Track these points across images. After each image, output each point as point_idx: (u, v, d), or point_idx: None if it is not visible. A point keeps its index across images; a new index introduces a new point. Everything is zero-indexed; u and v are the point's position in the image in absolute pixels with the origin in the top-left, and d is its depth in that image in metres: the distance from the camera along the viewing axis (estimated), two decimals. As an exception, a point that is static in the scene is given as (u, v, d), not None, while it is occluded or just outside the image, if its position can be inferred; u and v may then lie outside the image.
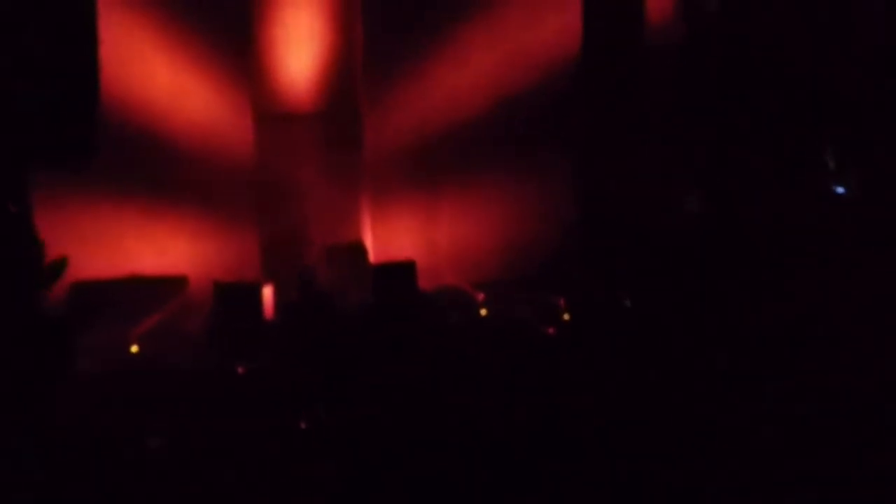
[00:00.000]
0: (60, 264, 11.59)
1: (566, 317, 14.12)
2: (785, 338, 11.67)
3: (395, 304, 13.18)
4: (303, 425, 11.14)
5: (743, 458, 8.98)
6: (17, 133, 11.75)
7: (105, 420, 10.49)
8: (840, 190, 14.21)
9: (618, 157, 15.42)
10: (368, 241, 14.97)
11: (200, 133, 14.37)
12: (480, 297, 14.62)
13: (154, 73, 14.15)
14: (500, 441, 10.41)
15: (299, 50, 14.47)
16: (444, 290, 14.45)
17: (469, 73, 15.32)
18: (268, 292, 13.81)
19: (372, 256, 14.88)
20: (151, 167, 14.05)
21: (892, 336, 11.03)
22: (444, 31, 15.23)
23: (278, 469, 9.99)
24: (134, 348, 12.49)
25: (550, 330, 13.95)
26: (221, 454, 10.17)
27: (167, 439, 10.22)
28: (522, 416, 11.20)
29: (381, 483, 9.39)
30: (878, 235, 12.91)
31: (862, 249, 12.84)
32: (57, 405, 10.58)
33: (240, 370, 11.92)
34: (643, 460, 9.16)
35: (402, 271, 13.70)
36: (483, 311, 14.41)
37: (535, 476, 9.14)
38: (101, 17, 12.27)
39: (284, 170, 14.35)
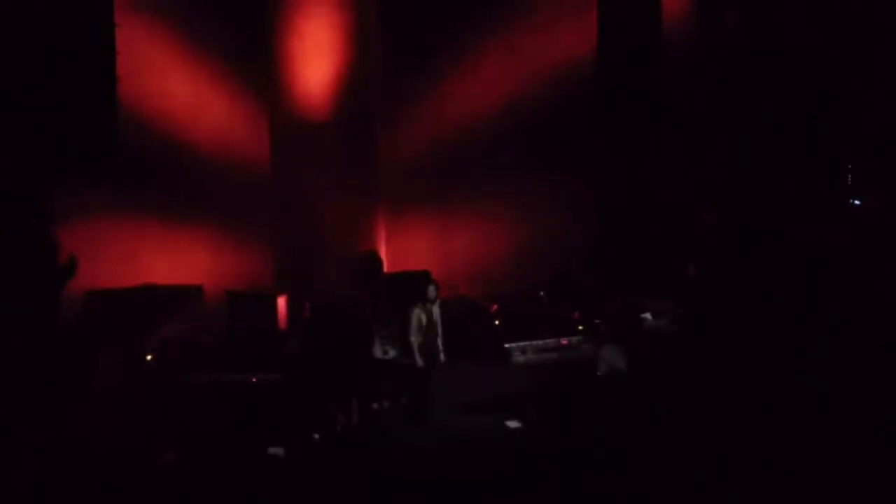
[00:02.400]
0: (72, 262, 11.74)
1: (580, 328, 14.16)
2: (802, 343, 11.74)
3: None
4: (316, 435, 11.21)
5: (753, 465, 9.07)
6: (36, 146, 11.97)
7: (121, 432, 10.62)
8: (857, 201, 14.17)
9: (632, 169, 15.45)
10: (383, 252, 15.05)
11: (217, 145, 14.53)
12: (494, 307, 14.70)
13: (172, 87, 14.32)
14: (513, 452, 10.48)
15: (317, 63, 14.54)
16: (458, 299, 14.51)
17: (484, 88, 15.38)
18: (282, 303, 13.90)
19: (387, 266, 14.97)
20: (168, 179, 14.21)
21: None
22: (459, 47, 15.33)
23: (290, 478, 10.07)
24: (149, 356, 12.58)
25: (564, 342, 13.99)
26: (234, 464, 10.26)
27: (181, 451, 10.32)
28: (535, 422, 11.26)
29: (397, 493, 9.46)
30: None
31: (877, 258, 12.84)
32: (74, 417, 10.75)
33: (253, 379, 11.96)
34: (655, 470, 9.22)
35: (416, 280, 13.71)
36: (496, 322, 14.48)
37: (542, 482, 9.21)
38: (118, 30, 12.52)
39: (300, 181, 14.43)
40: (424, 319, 11.53)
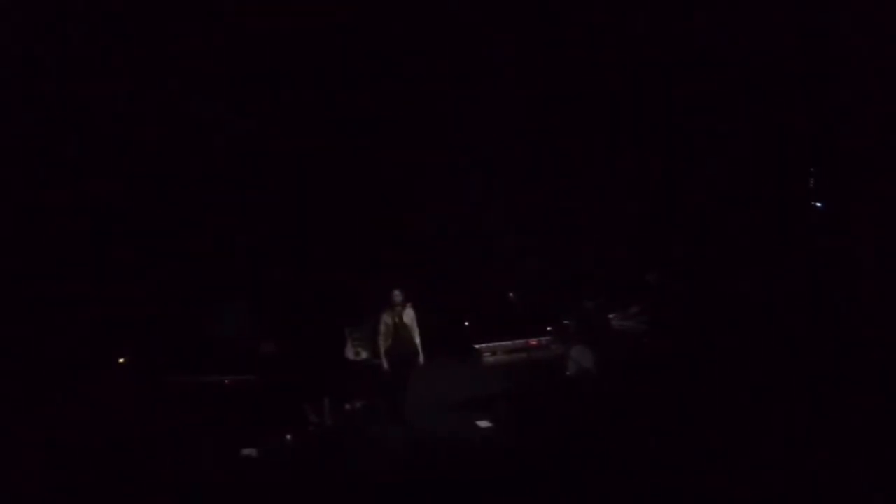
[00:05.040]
0: None
1: (549, 329, 14.32)
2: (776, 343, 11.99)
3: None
4: (289, 436, 11.30)
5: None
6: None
7: (104, 430, 10.68)
8: (818, 205, 14.38)
9: (603, 178, 15.55)
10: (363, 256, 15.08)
11: (193, 147, 14.46)
12: (464, 309, 14.81)
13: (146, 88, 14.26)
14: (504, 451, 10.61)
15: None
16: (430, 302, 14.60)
17: (465, 89, 15.36)
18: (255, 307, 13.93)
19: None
20: (143, 182, 14.13)
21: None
22: (454, 47, 15.22)
23: (265, 478, 10.15)
24: (121, 360, 12.59)
25: (533, 342, 14.14)
26: (208, 465, 10.34)
27: (160, 451, 10.39)
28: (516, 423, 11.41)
29: (369, 493, 9.57)
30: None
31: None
32: (62, 414, 10.80)
33: (226, 381, 12.02)
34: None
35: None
36: (466, 323, 14.59)
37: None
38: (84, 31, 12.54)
39: (285, 185, 14.43)
40: (391, 323, 11.67)
